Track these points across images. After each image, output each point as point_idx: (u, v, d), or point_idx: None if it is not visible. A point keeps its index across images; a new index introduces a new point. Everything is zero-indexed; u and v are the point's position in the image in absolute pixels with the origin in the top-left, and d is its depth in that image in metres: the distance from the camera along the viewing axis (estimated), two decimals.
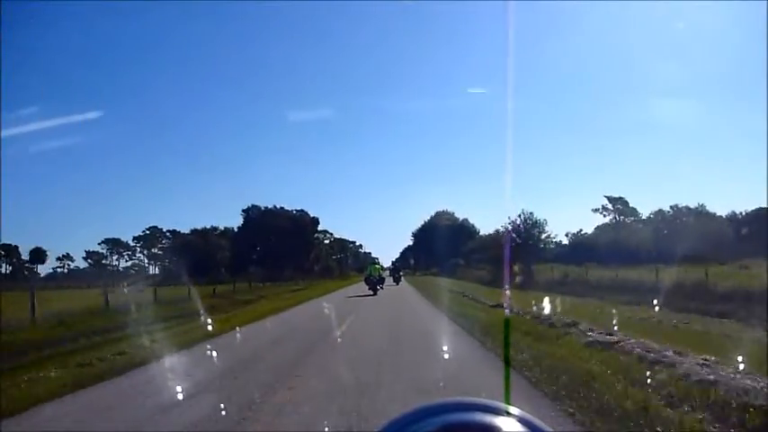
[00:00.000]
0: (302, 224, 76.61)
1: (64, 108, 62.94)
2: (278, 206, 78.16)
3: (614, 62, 70.69)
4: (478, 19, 72.85)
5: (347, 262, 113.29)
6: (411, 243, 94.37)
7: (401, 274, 55.22)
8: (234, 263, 75.68)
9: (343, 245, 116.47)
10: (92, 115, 59.34)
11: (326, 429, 5.71)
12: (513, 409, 0.73)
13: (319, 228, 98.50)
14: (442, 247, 79.89)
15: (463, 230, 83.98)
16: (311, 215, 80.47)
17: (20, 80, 62.12)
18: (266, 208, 77.06)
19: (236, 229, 76.95)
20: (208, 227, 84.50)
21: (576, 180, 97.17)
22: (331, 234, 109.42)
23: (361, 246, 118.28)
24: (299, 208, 79.76)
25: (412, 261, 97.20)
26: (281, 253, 73.00)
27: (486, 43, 73.87)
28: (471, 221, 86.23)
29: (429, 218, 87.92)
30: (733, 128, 67.14)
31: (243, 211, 77.07)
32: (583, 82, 79.48)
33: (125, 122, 73.93)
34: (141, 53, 78.31)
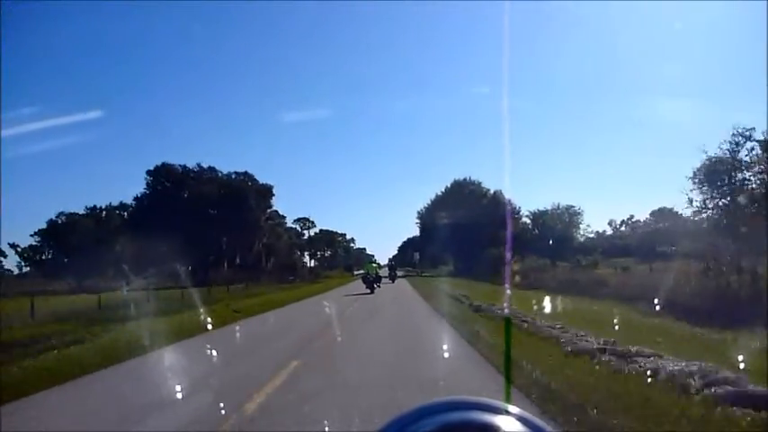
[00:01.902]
0: (242, 195, 47.12)
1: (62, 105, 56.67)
2: (204, 165, 48.64)
3: (612, 61, 67.88)
4: (473, 19, 73.40)
5: (335, 258, 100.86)
6: (418, 230, 64.85)
7: (397, 272, 51.38)
8: (131, 256, 46.37)
9: (331, 238, 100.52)
10: (94, 114, 53.65)
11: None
12: (513, 408, 0.72)
13: (300, 216, 71.46)
14: (465, 232, 50.90)
15: (497, 207, 54.67)
16: (260, 182, 50.80)
17: None
18: (184, 168, 47.53)
19: (137, 203, 47.31)
20: (115, 203, 54.94)
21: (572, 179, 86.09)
22: (312, 222, 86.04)
23: (353, 240, 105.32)
24: (239, 170, 50.08)
25: (417, 256, 67.87)
26: (205, 242, 43.42)
27: (482, 43, 73.07)
28: (506, 195, 56.88)
29: (443, 190, 58.55)
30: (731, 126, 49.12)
31: (148, 173, 47.46)
32: (579, 80, 77.35)
33: (122, 120, 64.90)
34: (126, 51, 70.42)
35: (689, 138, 44.01)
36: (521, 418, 0.69)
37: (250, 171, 48.51)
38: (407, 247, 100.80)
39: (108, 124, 63.17)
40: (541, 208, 51.72)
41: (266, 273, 49.95)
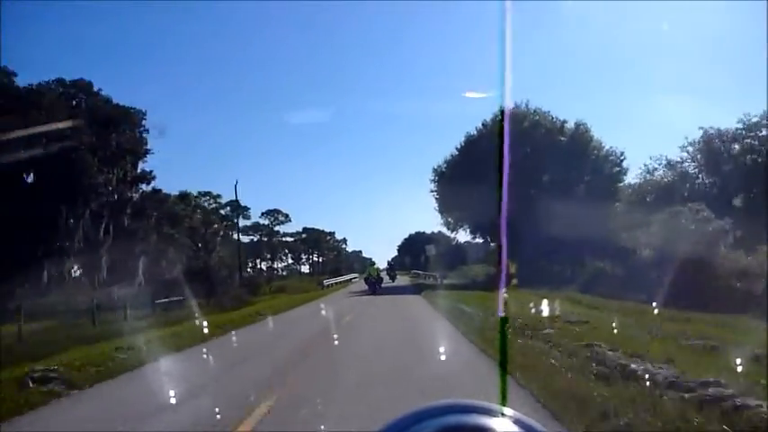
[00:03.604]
0: (51, 115, 19.96)
1: None
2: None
3: (611, 61, 60.77)
4: (474, 20, 64.75)
5: (320, 262, 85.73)
6: (434, 201, 37.25)
7: (396, 272, 50.53)
8: None
9: (317, 237, 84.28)
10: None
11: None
12: (509, 411, 0.72)
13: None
14: (528, 198, 24.85)
15: (587, 150, 28.41)
16: (115, 101, 23.77)
17: None
18: None
19: None
20: None
21: None
22: (286, 215, 72.67)
23: (345, 241, 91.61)
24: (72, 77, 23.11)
25: (431, 250, 41.36)
26: None
27: (482, 44, 62.10)
28: (594, 133, 30.31)
29: (480, 127, 31.62)
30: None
31: None
32: (579, 80, 68.11)
33: None
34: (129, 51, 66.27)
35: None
36: (517, 421, 0.68)
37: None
38: (409, 245, 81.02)
39: None
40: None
41: (135, 286, 23.18)
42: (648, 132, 71.87)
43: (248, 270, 74.47)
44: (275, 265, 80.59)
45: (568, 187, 27.43)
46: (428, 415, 0.69)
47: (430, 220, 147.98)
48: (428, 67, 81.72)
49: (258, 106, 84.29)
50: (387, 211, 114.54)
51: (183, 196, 31.51)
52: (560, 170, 27.58)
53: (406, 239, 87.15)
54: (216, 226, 35.09)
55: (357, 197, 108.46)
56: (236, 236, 71.60)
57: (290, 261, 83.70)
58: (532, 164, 27.49)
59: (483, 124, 31.64)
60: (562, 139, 28.99)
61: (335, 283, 41.91)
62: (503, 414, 0.69)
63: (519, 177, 28.14)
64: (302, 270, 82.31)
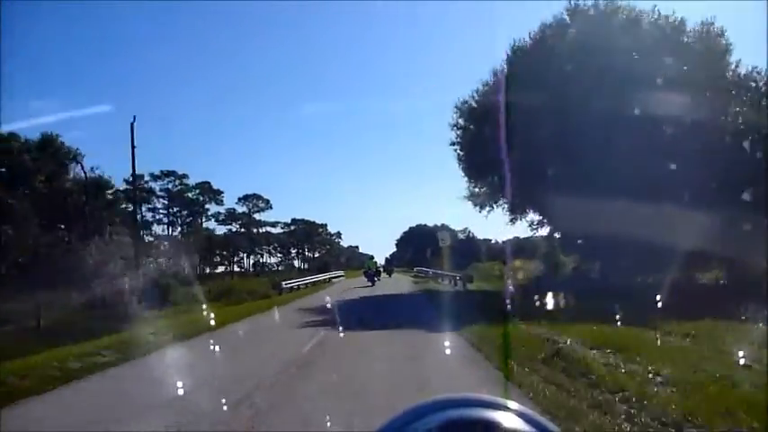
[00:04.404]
0: None
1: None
2: None
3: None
4: (471, 20, 65.28)
5: (310, 257, 78.88)
6: (455, 159, 24.59)
7: (393, 268, 48.22)
8: None
9: (307, 230, 78.16)
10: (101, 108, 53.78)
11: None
12: (512, 404, 0.73)
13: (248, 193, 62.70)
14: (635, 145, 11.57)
15: (714, 58, 15.56)
16: None
17: None
18: None
19: None
20: None
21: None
22: (267, 201, 67.62)
23: (339, 234, 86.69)
24: None
25: (444, 239, 29.82)
26: None
27: (479, 42, 66.63)
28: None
29: (534, 34, 18.84)
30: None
31: None
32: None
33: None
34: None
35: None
36: (521, 414, 0.69)
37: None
38: (410, 239, 75.03)
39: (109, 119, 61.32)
40: None
41: None
42: None
43: (222, 264, 64.06)
44: (267, 260, 74.36)
45: (708, 124, 15.15)
46: (430, 410, 0.68)
47: (432, 213, 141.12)
48: (427, 58, 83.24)
49: (249, 91, 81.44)
50: (385, 203, 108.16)
51: (47, 141, 18.74)
52: (687, 93, 15.24)
53: (405, 233, 78.99)
54: (111, 197, 21.94)
55: (352, 187, 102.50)
56: (206, 224, 59.85)
57: (280, 256, 77.54)
58: (639, 80, 15.21)
59: (542, 29, 19.01)
60: (685, 40, 16.65)
61: (307, 284, 29.40)
62: (507, 408, 0.68)
63: (614, 104, 15.86)
64: (295, 265, 76.39)
